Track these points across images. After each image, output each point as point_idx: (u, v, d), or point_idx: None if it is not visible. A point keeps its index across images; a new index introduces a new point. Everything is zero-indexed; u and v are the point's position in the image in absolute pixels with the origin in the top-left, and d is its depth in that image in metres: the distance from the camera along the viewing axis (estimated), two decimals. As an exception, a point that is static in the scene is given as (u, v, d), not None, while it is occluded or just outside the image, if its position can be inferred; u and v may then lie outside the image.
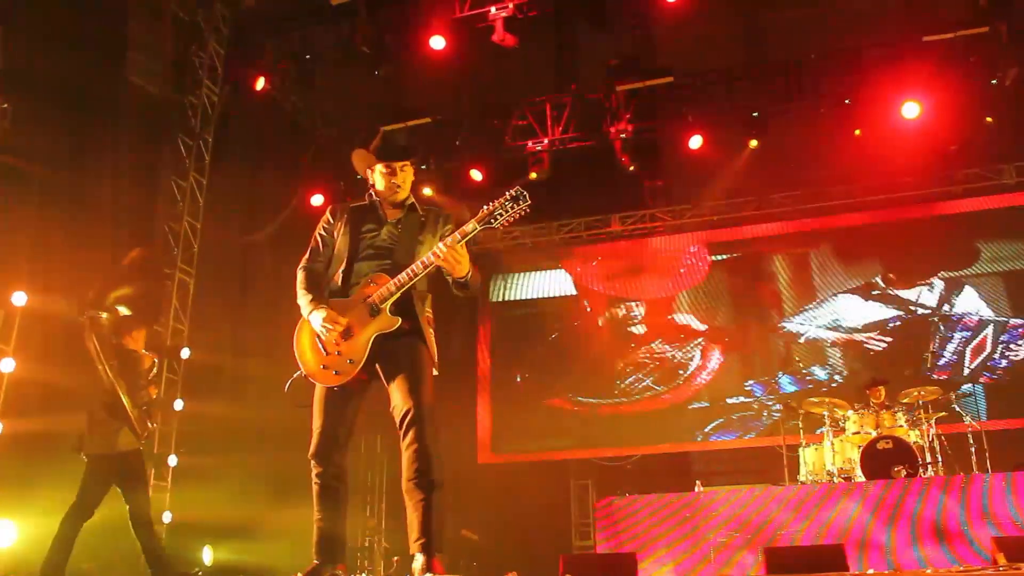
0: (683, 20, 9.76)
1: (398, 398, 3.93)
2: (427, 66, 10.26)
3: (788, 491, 8.04)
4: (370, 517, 11.56)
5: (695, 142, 11.03)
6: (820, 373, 11.64)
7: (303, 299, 4.11)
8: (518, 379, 12.70)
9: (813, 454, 9.08)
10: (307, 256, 4.27)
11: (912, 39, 9.84)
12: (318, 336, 4.00)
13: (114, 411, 6.11)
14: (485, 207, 3.87)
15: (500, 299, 13.24)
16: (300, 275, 4.20)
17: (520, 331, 13.01)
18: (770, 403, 11.63)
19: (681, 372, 12.14)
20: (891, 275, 11.75)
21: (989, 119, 10.40)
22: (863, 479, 8.26)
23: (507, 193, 3.83)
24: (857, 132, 10.68)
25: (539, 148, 11.21)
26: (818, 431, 9.44)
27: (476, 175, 11.60)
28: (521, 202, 3.81)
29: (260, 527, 9.24)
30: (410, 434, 3.85)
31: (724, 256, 12.60)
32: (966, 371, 11.03)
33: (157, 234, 10.15)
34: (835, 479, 8.63)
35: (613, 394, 12.27)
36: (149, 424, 6.36)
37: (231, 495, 9.16)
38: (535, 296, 13.19)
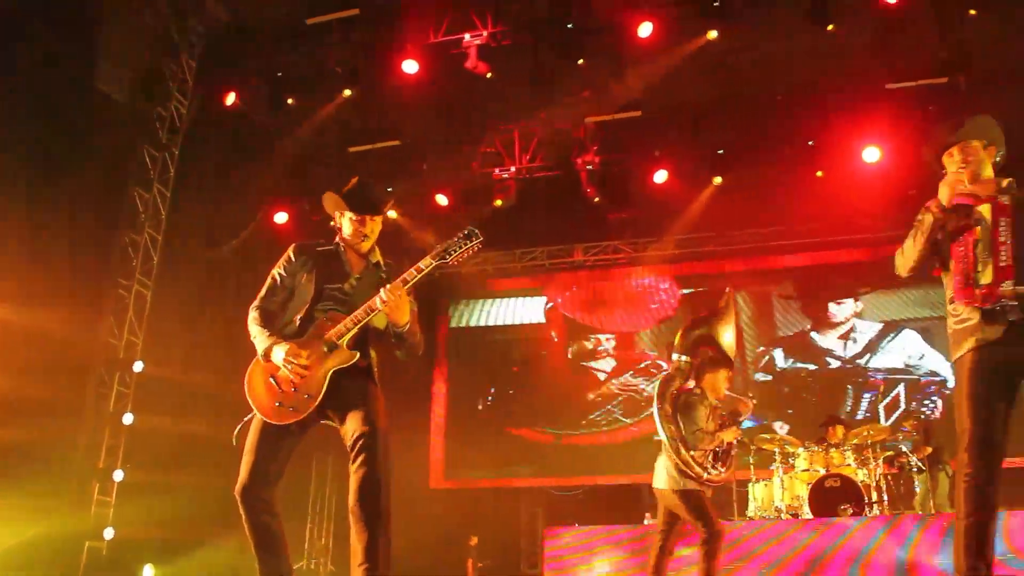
0: (655, 56, 9.87)
1: (351, 424, 3.87)
2: (398, 89, 10.29)
3: (735, 526, 8.07)
4: (317, 538, 11.46)
5: (660, 176, 11.17)
6: (771, 411, 11.77)
7: (259, 336, 4.03)
8: (480, 406, 12.68)
9: (763, 490, 9.13)
10: (262, 295, 4.19)
11: (875, 86, 10.03)
12: (272, 376, 3.94)
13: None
14: (440, 245, 3.91)
15: (461, 325, 13.24)
16: (254, 314, 4.13)
17: (481, 357, 13.00)
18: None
19: (646, 405, 12.20)
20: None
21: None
22: (811, 516, 8.33)
23: (460, 232, 3.88)
24: (819, 174, 10.86)
25: (506, 176, 11.28)
26: (770, 467, 9.51)
27: (442, 200, 11.65)
28: (473, 239, 3.86)
29: (205, 547, 9.12)
30: (360, 458, 3.80)
31: (691, 290, 12.72)
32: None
33: (117, 245, 10.06)
34: (783, 515, 8.69)
35: (580, 424, 12.32)
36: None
37: (177, 513, 8.99)
38: (498, 323, 13.20)
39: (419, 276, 3.90)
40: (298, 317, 4.04)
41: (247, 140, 11.11)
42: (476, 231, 3.87)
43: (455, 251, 3.89)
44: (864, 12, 9.12)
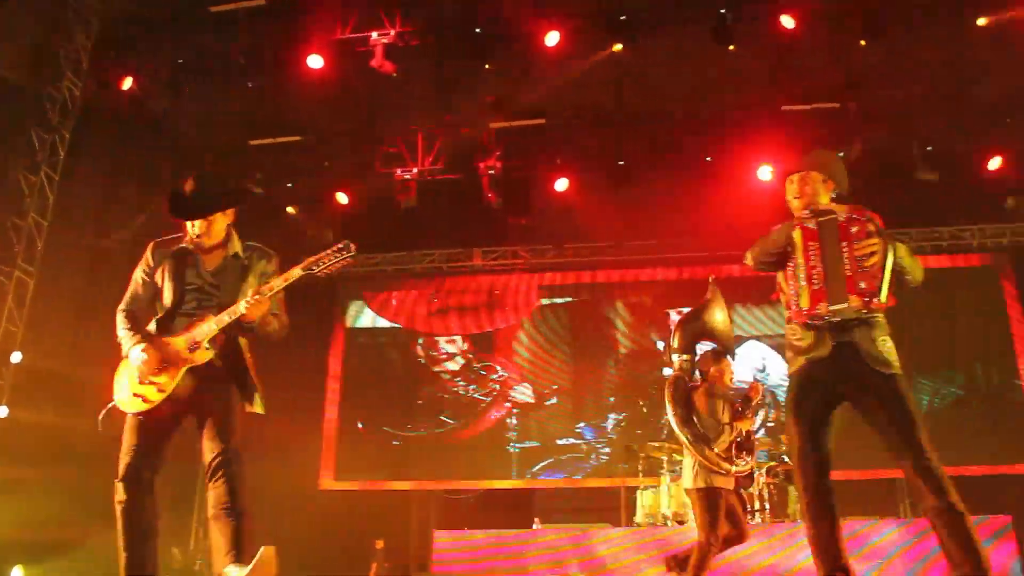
0: (560, 65, 9.98)
1: (207, 439, 4.02)
2: (302, 84, 10.13)
3: (623, 532, 8.22)
4: (204, 538, 11.17)
5: (561, 184, 11.30)
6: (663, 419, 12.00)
7: (124, 339, 4.17)
8: (370, 407, 12.59)
9: (650, 497, 9.31)
10: (126, 298, 4.30)
11: (771, 107, 10.35)
12: (134, 371, 4.06)
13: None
14: (312, 257, 3.99)
15: (356, 325, 13.13)
16: (119, 317, 4.25)
17: (368, 358, 12.92)
18: (599, 446, 11.94)
19: (515, 410, 12.39)
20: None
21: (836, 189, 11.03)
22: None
23: (335, 244, 3.96)
24: (716, 190, 11.15)
25: (408, 177, 11.22)
26: (658, 475, 9.71)
27: (342, 198, 11.54)
28: (345, 253, 3.95)
29: (81, 547, 8.77)
30: (217, 474, 3.97)
31: (571, 299, 12.94)
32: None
33: (-2, 228, 9.62)
34: (669, 522, 8.87)
35: (448, 425, 12.34)
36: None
37: (52, 512, 8.64)
38: (381, 325, 13.16)
39: (284, 285, 4.01)
40: (164, 315, 4.16)
41: (143, 127, 10.75)
42: (350, 245, 3.94)
43: (324, 264, 3.96)
44: (764, 36, 9.42)
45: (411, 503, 12.09)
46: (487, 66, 9.93)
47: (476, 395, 12.44)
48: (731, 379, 6.27)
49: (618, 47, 9.57)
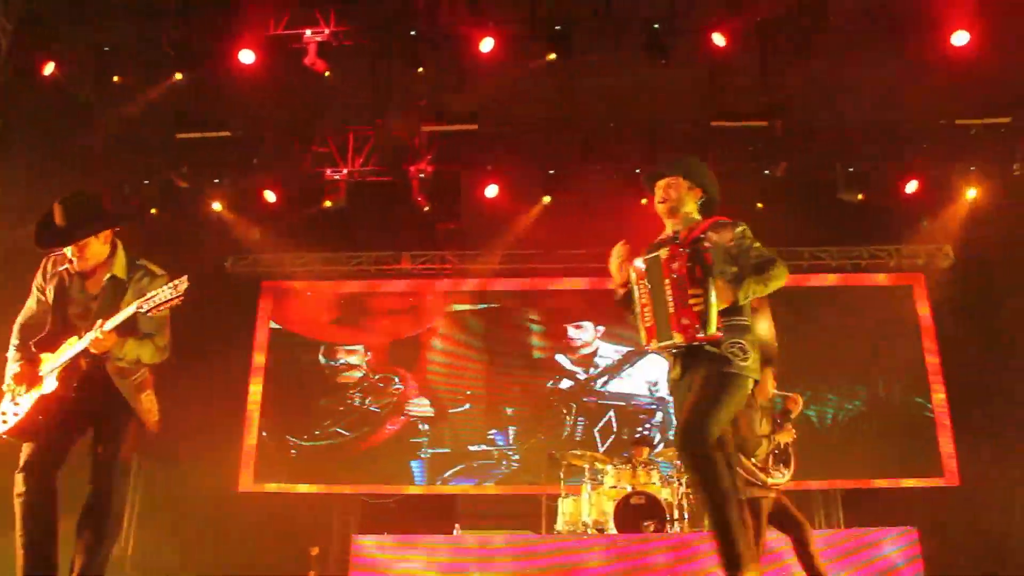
0: (494, 72, 10.00)
1: (93, 447, 4.12)
2: (233, 79, 9.94)
3: (542, 539, 8.26)
4: (120, 541, 10.90)
5: (491, 191, 11.33)
6: (581, 428, 12.12)
7: (11, 352, 4.26)
8: (290, 410, 12.42)
9: (571, 505, 9.37)
10: (24, 312, 4.36)
11: (702, 122, 10.50)
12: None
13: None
14: (150, 292, 4.01)
15: (277, 326, 12.92)
16: (15, 329, 4.31)
17: (281, 361, 12.75)
18: (510, 452, 12.05)
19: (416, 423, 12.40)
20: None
21: (760, 205, 11.30)
22: (615, 532, 8.61)
23: (174, 281, 3.98)
24: (644, 201, 11.27)
25: (337, 177, 11.13)
26: (579, 483, 9.77)
27: (270, 196, 11.39)
28: (181, 288, 3.94)
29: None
30: (94, 484, 4.04)
31: (494, 305, 12.98)
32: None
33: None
34: (589, 530, 8.94)
35: (364, 431, 12.28)
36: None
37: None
38: (296, 330, 13.01)
39: (121, 319, 3.98)
40: (47, 334, 4.19)
41: (65, 115, 10.43)
42: (185, 283, 3.95)
43: (158, 301, 3.94)
44: (696, 52, 9.55)
45: (332, 508, 11.95)
46: (420, 69, 9.88)
47: (372, 407, 12.37)
48: (773, 388, 6.26)
49: (552, 56, 9.61)
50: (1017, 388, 11.06)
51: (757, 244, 4.12)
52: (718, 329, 3.83)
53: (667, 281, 3.94)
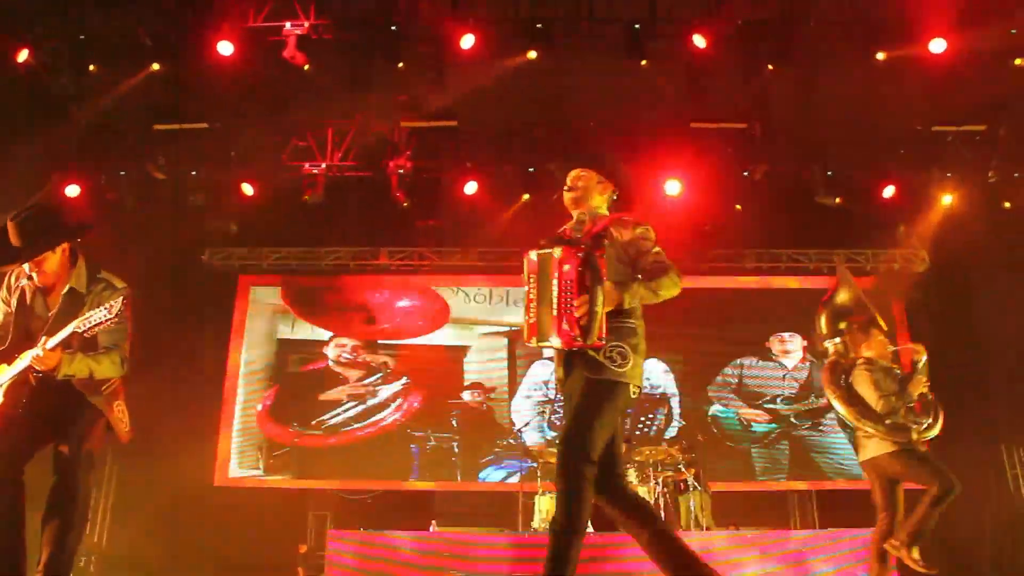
0: (475, 69, 9.98)
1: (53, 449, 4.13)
2: (211, 70, 9.88)
3: (519, 536, 8.25)
4: (89, 535, 10.81)
5: (470, 188, 11.31)
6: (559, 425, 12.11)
7: None
8: (265, 404, 12.34)
9: (548, 502, 9.35)
10: None
11: (680, 123, 10.54)
12: None
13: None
14: (91, 312, 4.01)
15: (254, 319, 12.84)
16: None
17: (269, 354, 12.68)
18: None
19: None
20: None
21: (739, 207, 11.35)
22: (590, 530, 8.59)
23: (111, 302, 3.99)
24: (622, 200, 11.27)
25: (316, 171, 11.09)
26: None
27: (248, 189, 11.31)
28: (114, 309, 3.95)
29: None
30: (55, 482, 4.06)
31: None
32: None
33: None
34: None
35: (341, 427, 12.25)
36: None
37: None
38: (279, 324, 12.92)
39: (63, 336, 3.98)
40: (8, 345, 4.20)
41: (40, 104, 10.33)
42: (120, 304, 3.96)
43: (93, 322, 3.95)
44: (676, 53, 9.59)
45: (308, 503, 11.89)
46: (401, 65, 9.86)
47: (350, 402, 12.35)
48: (886, 346, 6.27)
49: (533, 54, 9.61)
50: (991, 392, 11.17)
51: (657, 249, 4.05)
52: (605, 331, 3.75)
53: (555, 282, 3.83)
